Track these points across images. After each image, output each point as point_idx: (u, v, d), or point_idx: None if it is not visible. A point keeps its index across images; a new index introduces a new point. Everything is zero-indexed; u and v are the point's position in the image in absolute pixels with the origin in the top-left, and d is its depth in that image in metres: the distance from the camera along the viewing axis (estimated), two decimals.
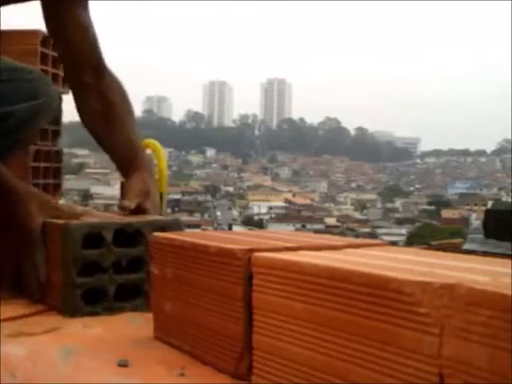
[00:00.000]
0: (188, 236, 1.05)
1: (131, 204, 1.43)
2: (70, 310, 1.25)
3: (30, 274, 1.32)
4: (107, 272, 1.26)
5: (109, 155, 1.60)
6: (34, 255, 1.32)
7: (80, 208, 1.43)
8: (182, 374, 0.92)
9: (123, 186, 1.92)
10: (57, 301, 1.28)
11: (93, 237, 1.26)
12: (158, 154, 2.48)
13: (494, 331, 0.58)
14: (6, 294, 1.35)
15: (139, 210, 1.43)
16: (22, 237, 1.32)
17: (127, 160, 1.55)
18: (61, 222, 1.29)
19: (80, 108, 1.62)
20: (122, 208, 1.46)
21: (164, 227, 1.30)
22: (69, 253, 1.24)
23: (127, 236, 1.29)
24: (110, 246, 1.26)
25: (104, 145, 1.60)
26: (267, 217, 52.42)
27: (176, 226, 1.35)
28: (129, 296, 1.28)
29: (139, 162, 1.54)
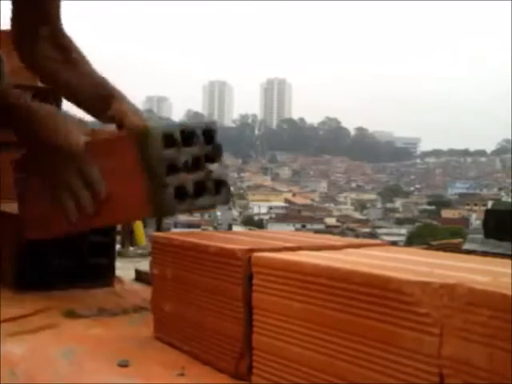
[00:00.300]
0: (188, 236, 1.05)
1: (141, 121, 1.37)
2: (163, 213, 1.28)
3: (84, 193, 1.27)
4: (183, 171, 1.26)
5: (78, 101, 1.51)
6: (85, 174, 1.27)
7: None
8: (182, 374, 0.92)
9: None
10: (141, 209, 1.26)
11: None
12: None
13: (494, 331, 0.58)
14: (7, 293, 1.35)
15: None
16: (67, 156, 1.28)
17: (103, 95, 1.46)
18: (132, 128, 1.29)
19: (36, 60, 1.53)
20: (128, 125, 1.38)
21: (209, 127, 1.32)
22: (154, 155, 1.22)
23: (183, 137, 1.29)
24: (180, 146, 1.26)
25: (71, 90, 1.52)
26: (267, 217, 52.45)
27: (215, 127, 1.36)
28: (197, 194, 1.28)
29: (117, 95, 1.46)
